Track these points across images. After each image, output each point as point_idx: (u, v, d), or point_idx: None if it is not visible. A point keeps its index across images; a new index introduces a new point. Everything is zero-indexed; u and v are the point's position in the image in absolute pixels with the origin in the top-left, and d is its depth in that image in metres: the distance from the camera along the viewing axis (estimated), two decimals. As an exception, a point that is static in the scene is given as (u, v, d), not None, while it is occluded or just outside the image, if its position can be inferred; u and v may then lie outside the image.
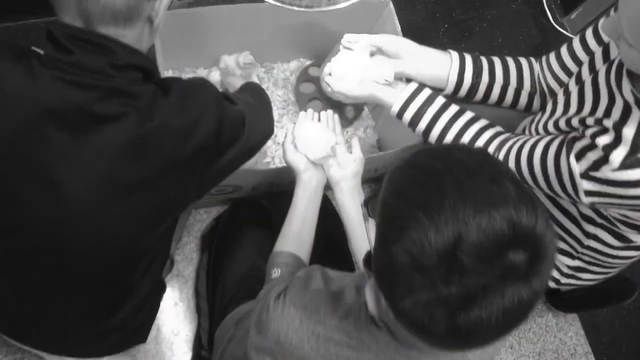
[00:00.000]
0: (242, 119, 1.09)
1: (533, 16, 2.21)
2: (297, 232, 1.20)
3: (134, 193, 0.96)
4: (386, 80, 1.25)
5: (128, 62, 0.93)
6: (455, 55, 1.28)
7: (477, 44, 2.11)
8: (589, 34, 1.20)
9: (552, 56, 1.28)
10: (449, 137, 1.23)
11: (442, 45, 2.08)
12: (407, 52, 1.25)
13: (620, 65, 1.01)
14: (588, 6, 2.15)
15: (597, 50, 1.13)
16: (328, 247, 1.33)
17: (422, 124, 1.25)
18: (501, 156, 1.19)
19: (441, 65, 1.27)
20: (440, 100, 1.24)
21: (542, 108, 1.33)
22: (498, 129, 1.25)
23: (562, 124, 1.11)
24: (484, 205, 0.64)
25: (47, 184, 0.93)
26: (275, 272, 1.12)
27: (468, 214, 0.64)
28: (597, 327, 1.87)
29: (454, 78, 1.26)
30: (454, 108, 1.24)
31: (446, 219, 0.64)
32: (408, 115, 1.25)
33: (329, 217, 1.38)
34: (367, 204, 0.84)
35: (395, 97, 1.26)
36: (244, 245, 1.45)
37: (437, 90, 1.28)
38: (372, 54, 1.30)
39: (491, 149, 1.21)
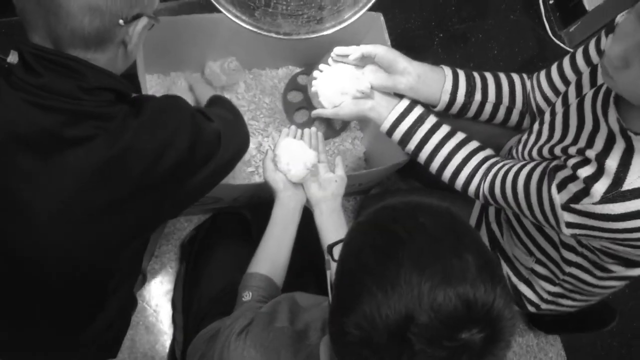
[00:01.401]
0: (217, 135, 1.07)
1: (531, 28, 2.17)
2: (272, 254, 1.18)
3: (105, 215, 0.94)
4: (362, 93, 1.22)
5: (98, 84, 0.90)
6: (448, 72, 1.24)
7: (472, 54, 2.08)
8: (579, 54, 1.18)
9: (542, 75, 1.26)
10: (438, 159, 1.22)
11: (436, 55, 2.07)
12: (400, 68, 1.21)
13: (608, 92, 0.98)
14: (587, 20, 2.11)
15: (585, 72, 1.11)
16: (308, 265, 1.31)
17: (412, 145, 1.23)
18: (486, 183, 1.18)
19: (434, 82, 1.23)
20: (431, 121, 1.22)
21: (532, 126, 1.31)
22: (487, 152, 1.23)
23: (545, 151, 1.08)
24: (441, 282, 0.62)
25: (16, 208, 0.91)
26: (247, 296, 1.10)
27: (422, 291, 0.62)
28: (578, 348, 1.86)
29: (446, 97, 1.24)
30: (444, 129, 1.22)
31: (400, 294, 0.62)
32: (398, 134, 1.23)
33: (310, 233, 1.36)
34: (331, 250, 0.81)
35: (385, 115, 1.23)
36: (222, 258, 1.43)
37: (428, 108, 1.26)
38: (363, 65, 1.26)
39: (478, 176, 1.20)
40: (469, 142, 1.23)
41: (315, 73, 1.27)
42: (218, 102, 1.31)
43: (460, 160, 1.21)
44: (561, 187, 0.97)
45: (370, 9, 1.56)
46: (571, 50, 1.23)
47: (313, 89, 1.29)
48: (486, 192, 1.18)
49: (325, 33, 1.19)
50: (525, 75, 1.30)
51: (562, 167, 0.99)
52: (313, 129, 1.33)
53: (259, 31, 1.12)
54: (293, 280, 1.22)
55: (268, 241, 1.20)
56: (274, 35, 1.12)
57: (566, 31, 2.17)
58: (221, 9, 1.11)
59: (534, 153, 1.13)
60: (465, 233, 0.69)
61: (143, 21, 0.94)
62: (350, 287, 0.67)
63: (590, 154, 0.95)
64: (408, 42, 1.97)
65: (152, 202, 0.99)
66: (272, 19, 1.12)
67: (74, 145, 0.89)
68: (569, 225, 0.98)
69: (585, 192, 0.93)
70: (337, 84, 1.23)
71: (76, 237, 0.95)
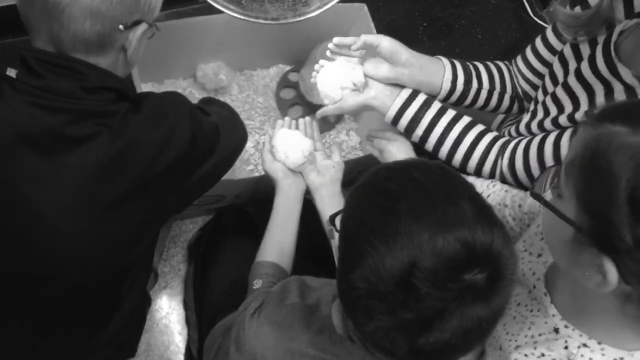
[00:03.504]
0: (216, 129, 1.09)
1: (512, 10, 2.21)
2: (278, 241, 1.21)
3: (112, 211, 0.96)
4: (354, 85, 1.22)
5: (100, 84, 0.93)
6: (446, 62, 1.26)
7: (457, 40, 2.11)
8: (549, 32, 1.21)
9: (519, 60, 1.29)
10: (448, 142, 1.20)
11: (422, 44, 2.11)
12: (403, 60, 1.20)
13: (607, 54, 1.00)
14: (566, -2, 2.15)
15: (566, 46, 1.14)
16: (312, 252, 1.34)
17: (420, 130, 1.21)
18: (505, 160, 1.16)
19: (434, 72, 1.24)
20: (436, 105, 1.21)
21: (520, 110, 1.34)
22: (495, 132, 1.23)
23: (548, 125, 1.10)
24: (439, 229, 0.65)
25: (27, 210, 0.94)
26: (257, 284, 1.12)
27: (422, 239, 0.64)
28: None
29: (447, 86, 1.25)
30: (450, 113, 1.21)
31: (402, 244, 0.65)
32: (404, 120, 1.21)
33: (312, 220, 1.39)
34: (333, 220, 0.84)
35: (390, 103, 1.22)
36: (230, 254, 1.45)
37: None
38: (361, 56, 1.26)
39: (492, 155, 1.19)
40: (476, 124, 1.22)
41: (316, 67, 1.27)
42: (212, 101, 1.33)
43: (471, 141, 1.20)
44: None
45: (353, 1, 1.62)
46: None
47: (313, 80, 1.28)
48: (505, 170, 1.17)
49: (311, 15, 1.22)
50: (507, 63, 1.33)
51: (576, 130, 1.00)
52: (307, 118, 1.36)
53: (247, 18, 1.15)
54: (301, 268, 1.24)
55: (273, 229, 1.22)
56: (262, 21, 1.15)
57: (546, 11, 2.21)
58: (209, 0, 1.14)
59: (534, 128, 1.14)
60: (458, 183, 0.71)
61: (142, 27, 0.97)
62: (354, 246, 0.70)
63: None
64: (393, 34, 1.96)
65: (157, 197, 1.01)
66: (259, 5, 1.15)
67: (78, 143, 0.92)
68: None
69: None
70: (334, 78, 1.22)
71: (88, 235, 0.96)
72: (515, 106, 1.33)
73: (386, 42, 1.19)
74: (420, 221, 0.65)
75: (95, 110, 0.93)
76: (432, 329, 0.65)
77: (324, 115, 1.27)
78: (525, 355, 0.81)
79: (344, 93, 1.22)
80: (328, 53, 1.27)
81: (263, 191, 1.52)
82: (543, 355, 0.80)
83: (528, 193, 1.05)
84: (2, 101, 0.91)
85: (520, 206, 1.06)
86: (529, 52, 1.26)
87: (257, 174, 1.65)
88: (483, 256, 0.65)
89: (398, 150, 1.25)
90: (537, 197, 0.73)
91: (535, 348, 0.81)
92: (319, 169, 1.28)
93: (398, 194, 0.69)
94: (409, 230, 0.65)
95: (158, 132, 0.97)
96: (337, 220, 0.80)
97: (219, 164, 1.12)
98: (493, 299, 0.66)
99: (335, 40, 1.23)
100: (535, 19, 2.19)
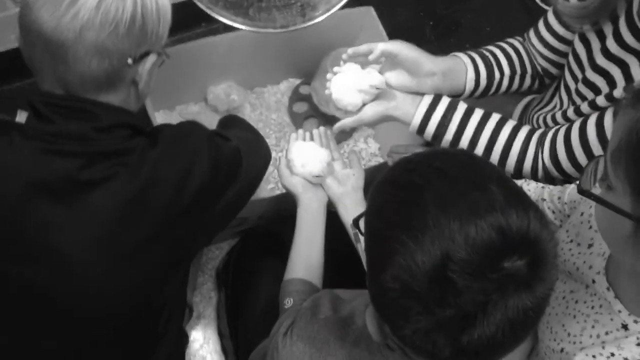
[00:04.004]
0: (238, 154, 1.06)
1: (518, -1, 2.18)
2: (305, 257, 1.17)
3: (138, 252, 0.93)
4: (377, 89, 1.14)
5: (113, 122, 0.90)
6: (466, 59, 1.21)
7: (466, 36, 2.09)
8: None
9: (532, 36, 1.24)
10: (482, 143, 1.13)
11: (430, 44, 2.08)
12: (425, 70, 1.14)
13: (632, 26, 0.96)
14: (572, -20, 2.11)
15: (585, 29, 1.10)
16: (342, 264, 1.30)
17: (449, 135, 1.14)
18: (546, 152, 1.10)
19: (457, 75, 1.20)
20: (462, 106, 1.15)
21: (541, 86, 1.29)
22: (529, 126, 1.17)
23: (585, 108, 1.06)
24: (469, 216, 0.61)
25: (49, 257, 0.90)
26: (288, 302, 1.09)
27: (453, 229, 0.60)
28: None
29: (471, 85, 1.20)
30: (479, 112, 1.15)
31: (432, 237, 0.61)
32: (431, 127, 1.15)
33: (338, 233, 1.36)
34: (357, 223, 0.81)
35: (413, 111, 1.15)
36: (260, 277, 1.42)
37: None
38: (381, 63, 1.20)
39: (531, 149, 1.13)
40: (508, 120, 1.16)
41: (328, 76, 1.21)
42: (231, 122, 1.30)
43: (507, 138, 1.13)
44: None
45: (358, 5, 1.60)
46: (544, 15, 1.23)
47: (327, 91, 1.21)
48: (548, 162, 1.10)
49: (321, 18, 1.19)
50: (520, 39, 1.29)
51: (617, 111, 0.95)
52: (321, 128, 1.33)
53: (256, 29, 1.14)
54: (331, 282, 1.21)
55: (298, 245, 1.19)
56: (271, 30, 1.13)
57: (553, -4, 2.17)
58: (215, 15, 1.12)
59: (571, 115, 1.10)
60: (484, 167, 0.68)
61: (152, 58, 0.93)
62: (381, 246, 0.66)
63: None
64: (400, 36, 1.95)
65: (183, 231, 0.97)
66: (267, 14, 1.13)
67: (94, 187, 0.88)
68: None
69: None
70: (349, 82, 1.15)
71: (115, 279, 0.93)
72: (537, 84, 1.29)
73: (406, 51, 1.13)
74: (449, 211, 0.62)
75: (109, 150, 0.89)
76: (476, 325, 0.61)
77: (342, 128, 1.21)
78: (594, 357, 0.76)
79: (363, 98, 1.16)
80: (341, 64, 1.20)
81: (287, 209, 1.50)
82: (613, 355, 0.74)
83: (567, 185, 1.00)
84: (11, 150, 0.88)
85: (559, 198, 1.01)
86: (542, 29, 1.21)
87: (278, 192, 1.62)
88: (520, 241, 0.61)
89: None
90: (586, 193, 0.69)
91: (603, 348, 0.76)
92: (339, 179, 1.25)
93: (422, 186, 0.65)
94: (437, 221, 0.61)
95: (177, 166, 0.94)
96: (361, 224, 0.77)
97: (244, 189, 1.08)
98: (537, 286, 0.62)
99: (350, 51, 1.17)
100: (542, 5, 2.15)
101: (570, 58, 1.15)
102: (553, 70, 1.24)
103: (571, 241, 0.89)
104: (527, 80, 1.27)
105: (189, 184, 0.94)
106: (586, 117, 1.05)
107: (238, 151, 1.06)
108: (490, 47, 1.28)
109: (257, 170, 1.12)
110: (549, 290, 0.64)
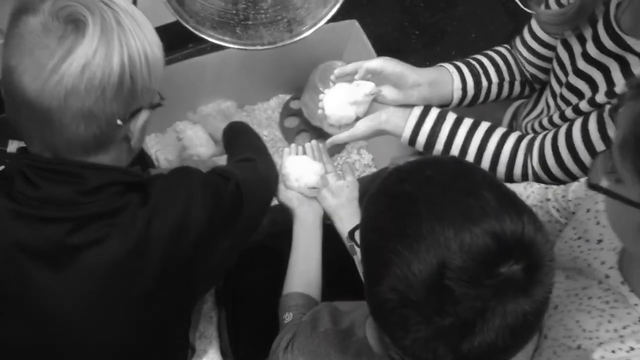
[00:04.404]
0: (238, 196, 0.99)
1: (501, 3, 2.20)
2: (303, 270, 1.17)
3: (135, 308, 0.90)
4: (372, 94, 1.16)
5: (100, 183, 0.85)
6: (451, 69, 1.23)
7: (451, 43, 2.10)
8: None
9: (519, 44, 1.26)
10: (472, 150, 1.14)
11: (417, 53, 2.10)
12: (410, 82, 1.16)
13: (610, 30, 0.98)
14: (553, -17, 2.14)
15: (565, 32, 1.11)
16: (340, 277, 1.30)
17: (439, 145, 1.16)
18: (535, 158, 1.12)
19: (443, 85, 1.21)
20: (452, 116, 1.17)
21: (532, 91, 1.31)
22: (518, 132, 1.18)
23: (569, 114, 1.07)
24: (463, 223, 0.61)
25: (40, 320, 0.87)
26: (287, 317, 1.09)
27: (448, 237, 0.61)
28: None
29: (458, 94, 1.22)
30: (468, 121, 1.17)
31: (427, 246, 0.61)
32: (422, 138, 1.16)
33: (335, 245, 1.36)
34: (353, 235, 0.81)
35: (403, 123, 1.17)
36: (259, 293, 1.42)
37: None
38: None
39: (520, 156, 1.14)
40: (497, 128, 1.17)
41: (320, 96, 1.22)
42: (236, 136, 1.26)
43: (495, 146, 1.14)
44: None
45: (343, 18, 1.61)
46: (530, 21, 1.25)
47: (320, 111, 1.23)
48: (537, 168, 1.11)
49: (308, 33, 1.19)
50: (507, 47, 1.31)
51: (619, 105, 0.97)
52: (314, 141, 1.34)
53: (244, 47, 1.14)
54: (330, 295, 1.21)
55: (296, 259, 1.19)
56: (259, 47, 1.13)
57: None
58: (203, 36, 1.13)
59: (556, 121, 1.11)
60: (475, 173, 0.68)
61: (144, 115, 0.88)
62: (376, 257, 0.67)
63: None
64: (386, 47, 2.00)
65: (182, 284, 0.93)
66: (254, 31, 1.14)
67: (84, 250, 0.84)
68: None
69: None
70: (341, 97, 1.17)
71: (112, 336, 0.90)
72: (527, 89, 1.30)
73: (390, 67, 1.15)
74: (443, 219, 0.62)
75: (97, 212, 0.84)
76: (475, 332, 0.61)
77: (335, 143, 1.22)
78: (613, 352, 0.75)
79: (356, 110, 1.17)
80: (330, 85, 1.22)
81: (284, 221, 1.50)
82: (632, 349, 0.74)
83: (571, 183, 1.01)
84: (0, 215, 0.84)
85: (563, 197, 1.01)
86: (527, 36, 1.23)
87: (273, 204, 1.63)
88: (515, 245, 0.61)
89: None
90: (596, 187, 0.68)
91: (622, 342, 0.75)
92: (333, 191, 1.25)
93: (414, 195, 0.66)
94: (431, 230, 0.62)
95: (169, 223, 0.88)
96: (357, 236, 0.78)
97: (244, 230, 1.03)
98: (534, 290, 0.62)
99: (337, 72, 1.19)
100: (525, 8, 2.18)
101: (554, 63, 1.16)
102: (541, 76, 1.25)
103: (579, 238, 0.89)
104: (517, 87, 1.29)
105: (183, 237, 0.89)
106: (571, 122, 1.06)
107: (238, 193, 0.99)
108: (477, 56, 1.29)
109: (259, 207, 1.06)
110: (547, 294, 0.64)
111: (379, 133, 1.20)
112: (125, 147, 0.90)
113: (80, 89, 0.78)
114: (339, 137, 1.20)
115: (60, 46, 0.77)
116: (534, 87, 1.30)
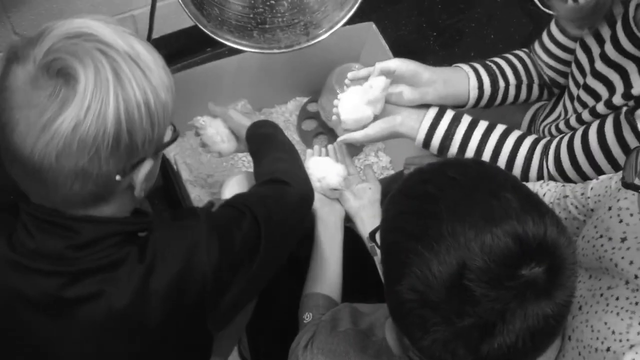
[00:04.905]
0: (255, 232, 0.91)
1: (519, 5, 2.19)
2: (324, 271, 1.17)
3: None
4: (385, 89, 1.14)
5: (96, 236, 0.80)
6: (467, 68, 1.22)
7: (469, 45, 2.09)
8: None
9: (538, 47, 1.25)
10: (487, 153, 1.13)
11: (435, 54, 2.09)
12: (424, 79, 1.15)
13: (629, 31, 0.97)
14: (572, -17, 2.12)
15: (584, 34, 1.10)
16: (361, 279, 1.30)
17: (454, 147, 1.15)
18: (551, 160, 1.10)
19: (459, 83, 1.20)
20: (467, 118, 1.16)
21: (550, 95, 1.30)
22: (534, 135, 1.17)
23: (586, 116, 1.06)
24: (485, 224, 0.61)
25: None
26: (307, 317, 1.09)
27: (469, 237, 0.60)
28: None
29: (474, 93, 1.21)
30: (483, 124, 1.15)
31: (447, 247, 0.61)
32: (436, 141, 1.15)
33: (356, 247, 1.36)
34: (373, 236, 0.81)
35: (417, 126, 1.16)
36: (278, 297, 1.42)
37: (458, 108, 1.22)
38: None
39: (536, 158, 1.13)
40: (513, 131, 1.16)
41: (335, 102, 1.21)
42: (263, 141, 1.20)
43: (511, 149, 1.13)
44: None
45: (360, 21, 1.61)
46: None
47: (335, 117, 1.22)
48: (552, 170, 1.10)
49: (324, 36, 1.19)
50: (526, 50, 1.30)
51: (636, 107, 0.95)
52: (336, 143, 1.34)
53: (261, 51, 1.14)
54: (350, 297, 1.21)
55: (317, 260, 1.19)
56: (276, 50, 1.13)
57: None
58: (221, 40, 1.13)
59: (573, 123, 1.10)
60: (497, 175, 0.68)
61: (148, 165, 0.81)
62: (397, 257, 0.66)
63: None
64: (404, 49, 1.99)
65: (192, 330, 0.89)
66: (272, 35, 1.14)
67: (80, 303, 0.81)
68: None
69: None
70: (355, 100, 1.16)
71: None
72: (545, 93, 1.29)
73: (404, 66, 1.15)
74: (464, 220, 0.62)
75: (92, 267, 0.80)
76: (495, 333, 0.61)
77: (348, 140, 1.21)
78: None
79: (373, 109, 1.16)
80: (345, 88, 1.21)
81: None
82: None
83: (590, 181, 1.00)
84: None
85: (582, 194, 1.00)
86: (546, 39, 1.22)
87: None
88: (537, 248, 0.61)
89: None
90: (631, 186, 0.67)
91: None
92: (356, 193, 1.26)
93: (436, 196, 0.65)
94: (452, 230, 0.61)
95: (170, 276, 0.83)
96: (378, 236, 0.77)
97: (266, 265, 0.93)
98: (556, 293, 0.61)
99: (350, 75, 1.18)
100: (545, 9, 2.16)
101: (573, 65, 1.15)
102: (560, 80, 1.24)
103: (601, 236, 0.88)
104: (535, 90, 1.28)
105: (188, 289, 0.84)
106: (588, 125, 1.05)
107: (255, 229, 0.91)
108: (494, 58, 1.28)
109: (285, 240, 0.97)
110: (570, 297, 0.64)
111: (393, 135, 1.20)
112: (129, 196, 0.85)
113: (72, 149, 0.72)
114: (353, 135, 1.19)
115: (50, 104, 0.71)
116: (552, 91, 1.29)
